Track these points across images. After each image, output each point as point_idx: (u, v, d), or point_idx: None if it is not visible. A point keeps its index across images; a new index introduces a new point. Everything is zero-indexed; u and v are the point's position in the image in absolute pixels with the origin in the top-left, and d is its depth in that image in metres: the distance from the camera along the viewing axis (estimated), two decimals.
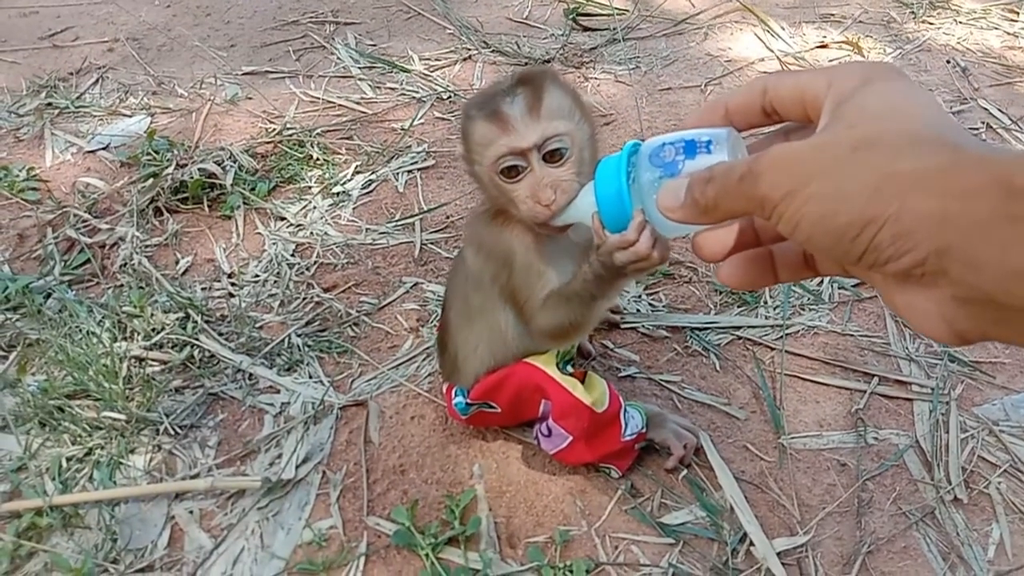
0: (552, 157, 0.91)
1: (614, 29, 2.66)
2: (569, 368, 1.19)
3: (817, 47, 2.58)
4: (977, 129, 2.13)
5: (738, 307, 1.55)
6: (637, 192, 0.66)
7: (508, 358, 1.16)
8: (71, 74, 2.42)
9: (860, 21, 2.78)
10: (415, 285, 1.61)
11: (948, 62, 2.49)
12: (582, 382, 1.16)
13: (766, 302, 1.56)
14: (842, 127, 0.44)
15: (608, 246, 0.83)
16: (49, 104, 2.23)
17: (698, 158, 0.57)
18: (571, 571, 1.10)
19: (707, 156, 0.56)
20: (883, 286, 0.44)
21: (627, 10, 2.81)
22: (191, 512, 1.20)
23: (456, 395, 1.23)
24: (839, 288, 1.60)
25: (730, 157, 0.55)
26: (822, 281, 1.61)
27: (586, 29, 2.71)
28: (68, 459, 1.25)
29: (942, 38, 2.65)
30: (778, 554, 1.13)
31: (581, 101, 0.96)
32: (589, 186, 0.77)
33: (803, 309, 1.55)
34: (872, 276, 0.44)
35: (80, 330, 1.45)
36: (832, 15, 2.82)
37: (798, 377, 1.41)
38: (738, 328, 1.51)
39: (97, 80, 2.38)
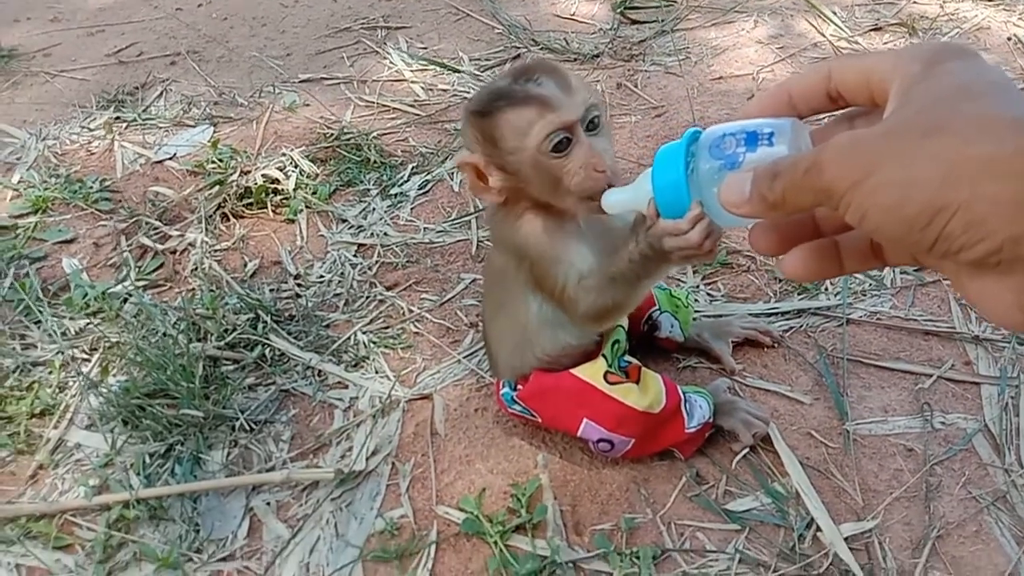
0: (592, 127, 0.95)
1: (663, 21, 2.66)
2: (624, 361, 1.21)
3: (871, 30, 2.53)
4: None
5: (798, 295, 1.54)
6: (695, 183, 0.65)
7: (534, 350, 1.17)
8: (137, 88, 2.52)
9: (914, 2, 2.72)
10: (473, 281, 1.65)
11: (1009, 39, 2.42)
12: (637, 381, 1.17)
13: (826, 289, 1.55)
14: (910, 112, 0.43)
15: (659, 230, 0.84)
16: (118, 118, 2.32)
17: (759, 150, 0.56)
18: (638, 557, 1.12)
19: (769, 148, 0.55)
20: (955, 275, 0.43)
21: (675, 1, 2.80)
22: (268, 504, 1.25)
23: (504, 385, 1.26)
24: (901, 273, 1.58)
25: (791, 149, 0.54)
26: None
27: (634, 22, 2.71)
28: (151, 455, 1.31)
29: (1001, 15, 2.58)
30: (845, 539, 1.13)
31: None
32: (647, 173, 0.76)
33: (865, 295, 1.54)
34: (944, 265, 0.42)
35: (156, 332, 1.52)
36: None
37: (861, 363, 1.40)
38: (799, 315, 1.50)
39: (161, 93, 2.47)
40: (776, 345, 1.43)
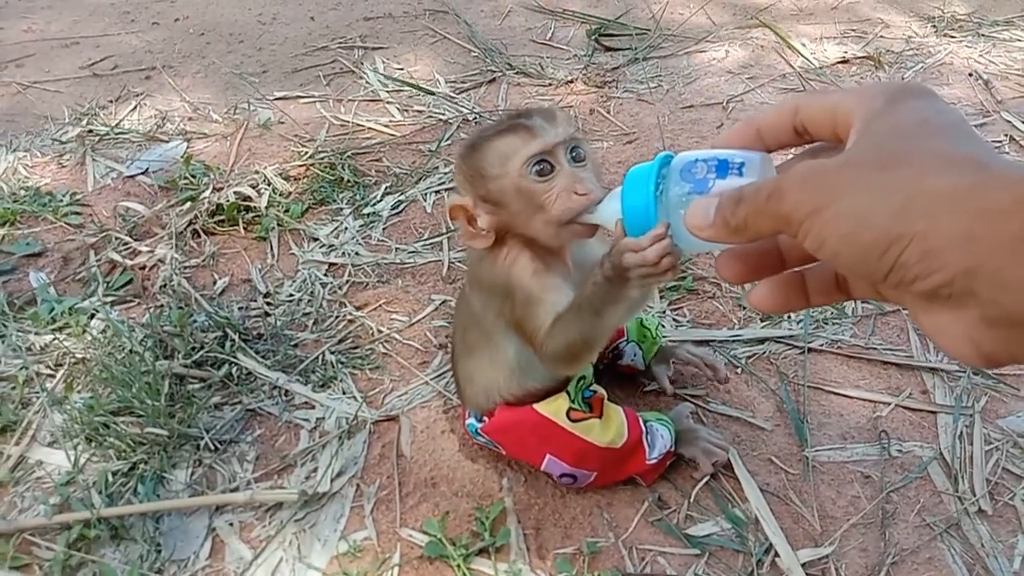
0: (576, 158, 0.98)
1: (636, 49, 2.70)
2: (589, 391, 1.21)
3: (838, 62, 2.60)
4: (1000, 142, 2.14)
5: (762, 322, 1.57)
6: (664, 205, 0.66)
7: (501, 392, 1.18)
8: (110, 102, 2.51)
9: (881, 36, 2.79)
10: (444, 302, 1.66)
11: (970, 75, 2.50)
12: (600, 415, 1.18)
13: (789, 317, 1.58)
14: (869, 144, 0.44)
15: (620, 246, 0.84)
16: (90, 131, 2.31)
17: (729, 178, 0.57)
18: None
19: (738, 178, 0.57)
20: (911, 307, 0.43)
21: (648, 30, 2.85)
22: (231, 524, 1.24)
23: (469, 415, 1.27)
24: (862, 303, 1.62)
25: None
26: None
27: (608, 49, 2.75)
28: (114, 473, 1.30)
29: (964, 51, 2.66)
30: (803, 565, 1.15)
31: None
32: (616, 192, 0.78)
33: (826, 323, 1.57)
34: (901, 296, 0.43)
35: (123, 349, 1.51)
36: (853, 30, 2.84)
37: (822, 390, 1.43)
38: (762, 342, 1.53)
39: (135, 107, 2.47)
40: (720, 382, 1.41)
